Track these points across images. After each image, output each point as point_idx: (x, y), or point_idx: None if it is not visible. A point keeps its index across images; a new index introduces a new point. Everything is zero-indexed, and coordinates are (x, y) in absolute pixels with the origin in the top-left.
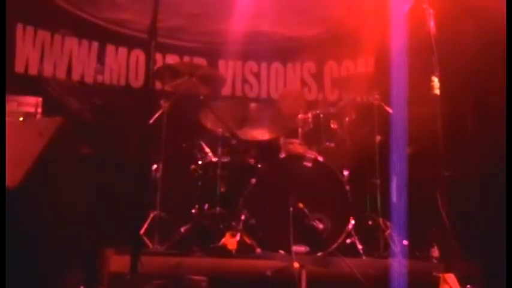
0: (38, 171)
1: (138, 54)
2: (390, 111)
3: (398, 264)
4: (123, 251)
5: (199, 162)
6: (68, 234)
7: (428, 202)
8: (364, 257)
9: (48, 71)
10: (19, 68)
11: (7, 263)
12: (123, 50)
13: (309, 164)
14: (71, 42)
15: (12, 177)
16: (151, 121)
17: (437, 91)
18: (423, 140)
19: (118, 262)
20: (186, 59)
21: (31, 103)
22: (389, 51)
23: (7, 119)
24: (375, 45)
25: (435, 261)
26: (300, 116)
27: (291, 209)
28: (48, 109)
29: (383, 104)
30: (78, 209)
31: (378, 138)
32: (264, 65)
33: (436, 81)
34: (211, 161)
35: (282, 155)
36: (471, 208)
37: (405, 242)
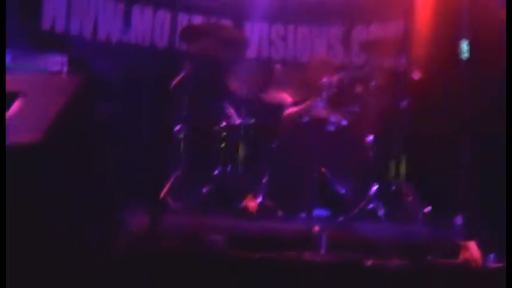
0: (61, 128)
1: (164, 15)
2: (417, 76)
3: (419, 231)
4: (145, 209)
5: (223, 124)
6: (89, 192)
7: (454, 169)
8: (385, 223)
9: (74, 29)
10: (45, 25)
11: (27, 223)
12: (148, 10)
13: (333, 128)
14: (97, 1)
15: (35, 132)
16: (175, 82)
17: (465, 55)
18: (450, 106)
19: (139, 220)
20: (212, 19)
21: (57, 61)
22: (418, 14)
23: (33, 75)
24: (404, 8)
25: (457, 228)
26: (324, 79)
27: (313, 172)
28: (74, 68)
29: (410, 69)
30: (100, 167)
31: (404, 103)
32: (290, 27)
33: (464, 45)
34: (234, 123)
35: (306, 119)
36: (498, 177)
37: (428, 209)
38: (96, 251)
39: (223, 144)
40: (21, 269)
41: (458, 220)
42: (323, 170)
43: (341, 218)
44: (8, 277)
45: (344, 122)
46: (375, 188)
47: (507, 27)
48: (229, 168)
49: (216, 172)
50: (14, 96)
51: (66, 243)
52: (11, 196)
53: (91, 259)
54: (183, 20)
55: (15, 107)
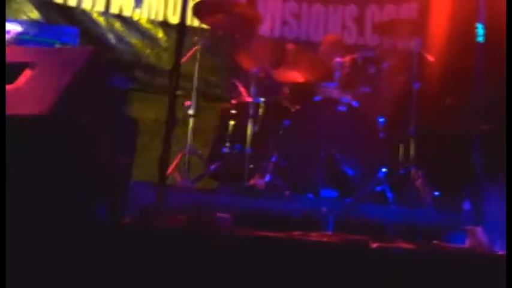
0: (70, 100)
1: None
2: (431, 59)
3: (426, 215)
4: (151, 185)
5: (233, 102)
6: (95, 165)
7: (464, 154)
8: (393, 206)
9: (87, 3)
10: None
11: (31, 191)
12: None
13: (344, 109)
14: None
15: (44, 103)
16: (185, 57)
17: (481, 39)
18: (463, 90)
19: (145, 196)
20: None
21: (68, 34)
22: None
23: (43, 47)
24: None
25: (465, 214)
26: (337, 59)
27: (322, 153)
28: (85, 40)
29: (424, 52)
30: (106, 140)
31: (416, 86)
32: (304, 5)
33: (480, 28)
34: (244, 101)
35: (317, 98)
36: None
37: (436, 193)
38: (102, 227)
39: (232, 122)
40: (22, 241)
41: (466, 205)
42: (332, 150)
43: (348, 200)
44: (9, 246)
45: (355, 103)
46: (383, 170)
47: (507, 27)
48: (237, 146)
49: (224, 150)
50: (24, 67)
51: (71, 218)
52: (16, 168)
53: (96, 235)
54: None
55: (24, 77)
